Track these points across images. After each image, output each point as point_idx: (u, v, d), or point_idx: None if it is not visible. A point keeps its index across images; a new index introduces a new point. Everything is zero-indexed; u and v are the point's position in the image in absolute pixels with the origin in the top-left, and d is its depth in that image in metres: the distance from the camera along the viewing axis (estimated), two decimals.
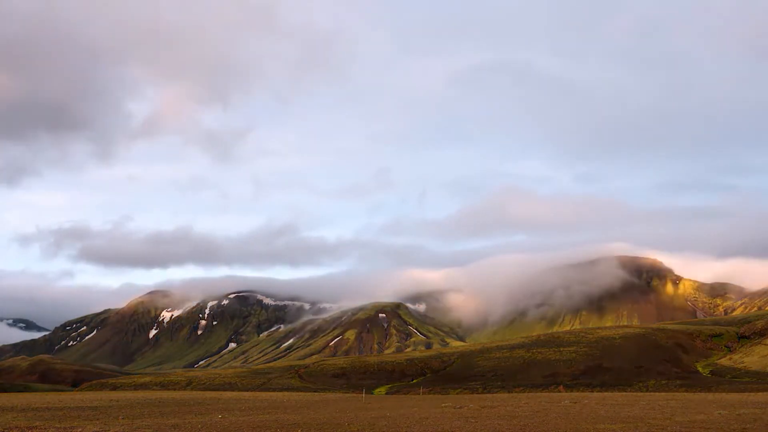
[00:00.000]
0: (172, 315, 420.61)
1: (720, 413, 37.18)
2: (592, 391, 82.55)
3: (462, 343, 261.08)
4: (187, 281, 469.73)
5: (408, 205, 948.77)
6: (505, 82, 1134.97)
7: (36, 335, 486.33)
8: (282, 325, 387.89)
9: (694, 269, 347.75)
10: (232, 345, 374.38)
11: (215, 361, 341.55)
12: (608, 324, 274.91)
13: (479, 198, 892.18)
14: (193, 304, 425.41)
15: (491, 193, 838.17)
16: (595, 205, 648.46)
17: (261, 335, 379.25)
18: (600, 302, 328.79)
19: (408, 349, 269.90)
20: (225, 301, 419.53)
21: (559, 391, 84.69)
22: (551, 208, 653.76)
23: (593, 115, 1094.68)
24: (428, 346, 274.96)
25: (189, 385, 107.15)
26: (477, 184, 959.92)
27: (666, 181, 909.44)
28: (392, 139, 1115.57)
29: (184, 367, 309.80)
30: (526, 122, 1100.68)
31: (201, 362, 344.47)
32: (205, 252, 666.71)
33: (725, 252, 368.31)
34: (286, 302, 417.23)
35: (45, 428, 30.95)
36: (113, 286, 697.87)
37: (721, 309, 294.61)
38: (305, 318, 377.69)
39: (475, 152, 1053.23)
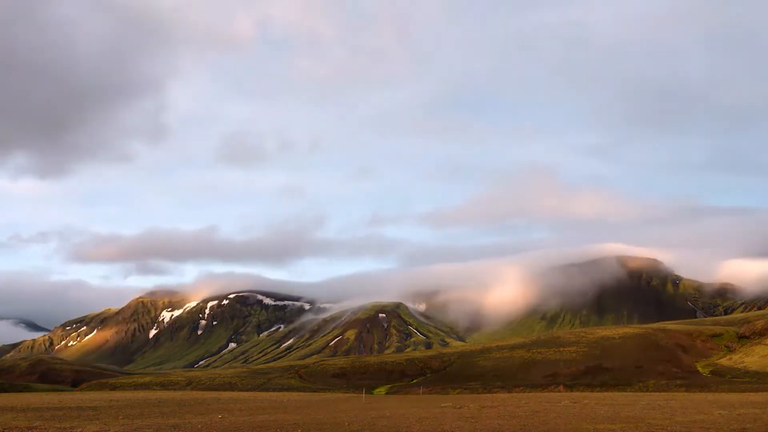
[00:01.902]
0: (172, 315, 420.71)
1: (720, 413, 37.17)
2: (592, 391, 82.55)
3: (462, 343, 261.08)
4: (187, 281, 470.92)
5: (413, 196, 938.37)
6: (546, 48, 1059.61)
7: (36, 335, 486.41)
8: (282, 325, 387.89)
9: (694, 269, 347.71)
10: (232, 345, 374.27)
11: (215, 361, 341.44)
12: (608, 324, 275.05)
13: (486, 187, 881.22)
14: (193, 304, 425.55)
15: (499, 183, 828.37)
16: (604, 201, 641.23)
17: (261, 335, 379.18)
18: (600, 302, 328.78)
19: (408, 349, 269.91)
20: (225, 301, 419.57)
21: (559, 391, 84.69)
22: (560, 202, 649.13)
23: (635, 83, 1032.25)
24: (428, 346, 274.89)
25: (189, 385, 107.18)
26: (487, 169, 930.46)
27: (697, 162, 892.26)
28: (401, 120, 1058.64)
29: (184, 367, 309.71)
30: (550, 95, 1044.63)
31: (201, 362, 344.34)
32: (205, 251, 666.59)
33: (728, 251, 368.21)
34: (286, 302, 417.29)
35: (45, 428, 30.94)
36: (113, 286, 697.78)
37: (721, 309, 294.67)
38: (305, 318, 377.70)
39: (493, 132, 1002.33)
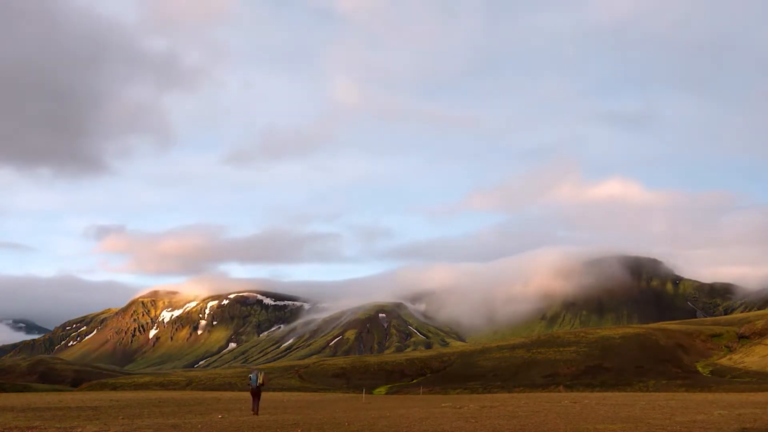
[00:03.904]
0: (172, 315, 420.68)
1: (720, 413, 37.17)
2: (592, 391, 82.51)
3: (462, 343, 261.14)
4: (187, 281, 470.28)
5: (418, 190, 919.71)
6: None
7: (36, 335, 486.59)
8: (282, 325, 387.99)
9: (694, 269, 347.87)
10: (232, 345, 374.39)
11: (215, 361, 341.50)
12: (608, 324, 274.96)
13: (490, 178, 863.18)
14: (193, 304, 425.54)
15: (509, 173, 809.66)
16: (621, 193, 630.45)
17: (261, 335, 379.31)
18: (600, 302, 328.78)
19: (408, 349, 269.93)
20: (225, 301, 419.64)
21: (559, 391, 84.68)
22: (574, 195, 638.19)
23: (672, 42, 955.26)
24: (428, 346, 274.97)
25: (189, 385, 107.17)
26: (499, 156, 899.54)
27: (738, 140, 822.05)
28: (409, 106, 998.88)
29: (184, 367, 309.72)
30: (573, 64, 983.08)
31: (201, 362, 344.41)
32: (205, 251, 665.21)
33: (731, 251, 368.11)
34: (286, 302, 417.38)
35: (45, 428, 30.91)
36: (113, 286, 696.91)
37: (721, 309, 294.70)
38: (305, 318, 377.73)
39: (508, 110, 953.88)
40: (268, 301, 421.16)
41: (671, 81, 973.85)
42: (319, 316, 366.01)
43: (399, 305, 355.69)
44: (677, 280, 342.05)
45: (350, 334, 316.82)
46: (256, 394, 38.28)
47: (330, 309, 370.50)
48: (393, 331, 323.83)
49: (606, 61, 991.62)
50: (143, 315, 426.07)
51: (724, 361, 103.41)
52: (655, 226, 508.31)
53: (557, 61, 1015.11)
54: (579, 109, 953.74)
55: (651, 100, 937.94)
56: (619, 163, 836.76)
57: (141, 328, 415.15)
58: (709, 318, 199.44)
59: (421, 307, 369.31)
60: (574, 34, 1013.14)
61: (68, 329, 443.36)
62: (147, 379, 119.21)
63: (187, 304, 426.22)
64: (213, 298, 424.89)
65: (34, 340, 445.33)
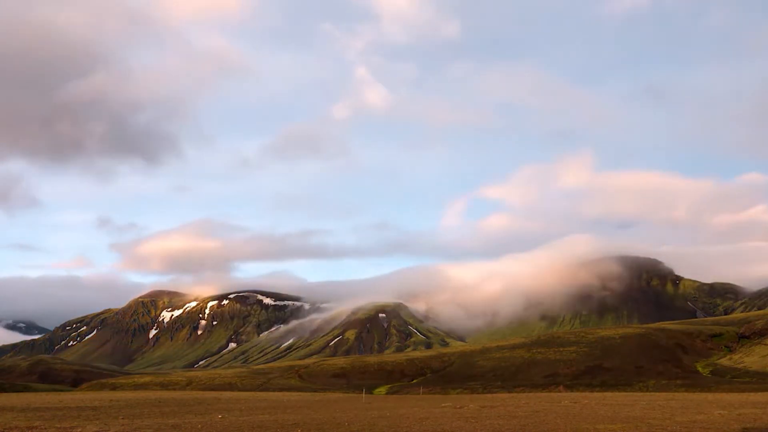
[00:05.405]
0: (172, 315, 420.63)
1: (720, 413, 37.17)
2: (592, 391, 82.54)
3: (462, 343, 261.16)
4: (187, 281, 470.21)
5: (423, 188, 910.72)
6: None
7: (36, 335, 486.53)
8: (282, 325, 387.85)
9: (694, 269, 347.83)
10: (232, 345, 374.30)
11: (215, 361, 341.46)
12: (608, 324, 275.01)
13: (495, 174, 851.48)
14: (193, 304, 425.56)
15: (509, 169, 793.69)
16: (633, 187, 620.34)
17: (261, 335, 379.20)
18: (600, 302, 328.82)
19: (408, 349, 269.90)
20: (225, 301, 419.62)
21: (559, 391, 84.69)
22: (582, 193, 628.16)
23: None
24: (428, 346, 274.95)
25: (189, 385, 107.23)
26: (510, 148, 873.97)
27: None
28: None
29: (184, 367, 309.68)
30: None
31: (201, 362, 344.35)
32: (206, 251, 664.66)
33: (726, 249, 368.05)
34: (286, 302, 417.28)
35: (45, 428, 30.92)
36: (113, 286, 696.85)
37: (721, 309, 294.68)
38: (305, 318, 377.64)
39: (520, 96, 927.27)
40: (268, 301, 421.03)
41: (694, 59, 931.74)
42: (319, 316, 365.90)
43: (399, 305, 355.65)
44: (677, 280, 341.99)
45: (350, 334, 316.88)
46: None
47: (330, 309, 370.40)
48: (393, 331, 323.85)
49: (624, 41, 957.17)
50: (143, 315, 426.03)
51: (724, 361, 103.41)
52: (673, 215, 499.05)
53: (570, 46, 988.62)
54: (594, 93, 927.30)
55: (672, 82, 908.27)
56: (638, 150, 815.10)
57: (141, 328, 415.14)
58: (709, 318, 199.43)
59: (422, 307, 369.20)
60: (587, 16, 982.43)
61: (68, 329, 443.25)
62: (147, 379, 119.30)
63: (187, 304, 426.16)
64: (213, 298, 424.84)
65: (34, 340, 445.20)
